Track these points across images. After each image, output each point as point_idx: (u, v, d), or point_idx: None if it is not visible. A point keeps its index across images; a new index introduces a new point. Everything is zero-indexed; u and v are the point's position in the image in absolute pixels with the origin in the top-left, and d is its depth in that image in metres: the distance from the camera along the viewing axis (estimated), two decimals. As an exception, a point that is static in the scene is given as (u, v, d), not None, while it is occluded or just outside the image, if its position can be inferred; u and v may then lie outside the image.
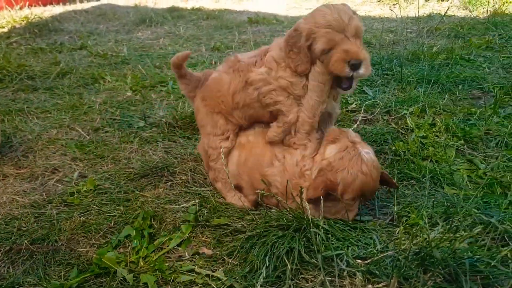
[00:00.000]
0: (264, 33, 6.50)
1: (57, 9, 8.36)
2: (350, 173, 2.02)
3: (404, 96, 3.63)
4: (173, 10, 8.28)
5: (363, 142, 2.16)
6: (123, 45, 5.83)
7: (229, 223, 2.21)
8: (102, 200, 2.44)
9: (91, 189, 2.54)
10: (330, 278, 1.83)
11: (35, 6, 8.50)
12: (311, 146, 2.21)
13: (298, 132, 2.22)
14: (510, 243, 1.94)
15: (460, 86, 3.86)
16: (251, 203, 2.37)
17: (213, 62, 4.94)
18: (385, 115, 3.37)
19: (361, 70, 2.01)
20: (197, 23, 7.28)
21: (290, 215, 2.08)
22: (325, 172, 2.06)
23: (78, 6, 8.74)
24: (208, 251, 2.03)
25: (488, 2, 7.09)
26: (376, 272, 1.80)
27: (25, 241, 2.10)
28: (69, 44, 5.85)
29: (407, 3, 8.24)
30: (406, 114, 3.28)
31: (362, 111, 3.36)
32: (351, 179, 2.02)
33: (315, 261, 1.88)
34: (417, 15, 6.64)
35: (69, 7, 8.58)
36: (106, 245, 2.11)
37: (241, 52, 2.56)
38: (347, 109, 3.49)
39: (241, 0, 9.55)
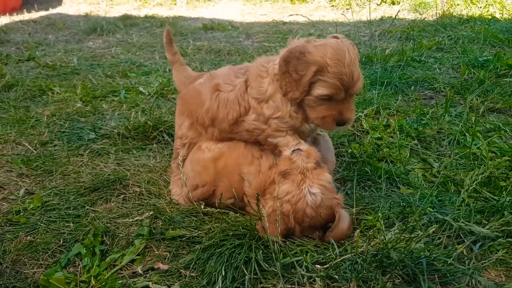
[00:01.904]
0: (219, 39, 6.46)
1: (3, 20, 8.03)
2: (297, 216, 2.00)
3: (358, 98, 3.66)
4: (125, 18, 8.11)
5: (316, 170, 2.08)
6: (73, 55, 5.65)
7: (185, 234, 2.14)
8: (50, 217, 2.32)
9: (38, 206, 2.40)
10: (289, 286, 1.80)
11: (-21, 17, 8.15)
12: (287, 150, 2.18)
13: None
14: (466, 240, 1.97)
15: (413, 87, 3.94)
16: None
17: (167, 70, 4.85)
18: (340, 118, 3.38)
19: (344, 127, 2.10)
20: (151, 31, 7.16)
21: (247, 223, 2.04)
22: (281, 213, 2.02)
23: (26, 16, 8.43)
24: (163, 266, 1.95)
25: (437, 4, 7.33)
26: (336, 276, 1.78)
27: (-35, 265, 1.96)
28: (15, 55, 5.60)
29: (360, 7, 8.41)
30: (361, 116, 3.31)
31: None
32: (300, 218, 2.00)
33: (274, 269, 1.85)
34: (369, 19, 6.77)
35: (16, 18, 8.26)
36: (54, 265, 1.99)
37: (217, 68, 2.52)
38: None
39: (195, 7, 9.48)
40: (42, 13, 8.87)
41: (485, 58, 4.42)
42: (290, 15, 7.02)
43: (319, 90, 1.96)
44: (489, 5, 7.41)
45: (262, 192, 2.16)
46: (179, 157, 2.37)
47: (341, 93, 1.95)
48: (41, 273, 1.94)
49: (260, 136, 2.20)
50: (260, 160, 2.22)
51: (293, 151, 2.13)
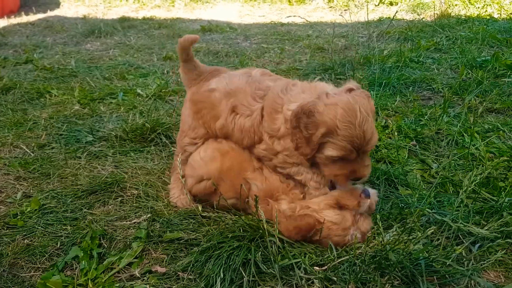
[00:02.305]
0: (217, 41, 6.46)
1: (1, 22, 8.03)
2: (328, 240, 1.99)
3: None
4: (123, 20, 8.10)
5: (367, 219, 2.08)
6: (71, 57, 5.64)
7: (183, 236, 2.13)
8: (48, 220, 2.31)
9: (35, 210, 2.39)
10: (288, 288, 1.79)
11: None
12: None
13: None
14: (464, 241, 1.96)
15: (411, 88, 3.94)
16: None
17: (165, 71, 4.84)
18: (339, 119, 3.37)
19: (359, 182, 2.03)
20: (149, 33, 7.15)
21: (246, 224, 2.03)
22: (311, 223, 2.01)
23: (24, 19, 8.42)
24: (161, 269, 1.94)
25: (435, 5, 7.33)
26: (334, 278, 1.78)
27: (-38, 269, 1.95)
28: (13, 58, 5.59)
29: (358, 8, 8.42)
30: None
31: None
32: (325, 241, 2.00)
33: (273, 271, 1.84)
34: (367, 20, 6.77)
35: (14, 20, 8.25)
36: (51, 268, 1.98)
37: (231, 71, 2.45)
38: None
39: (193, 9, 9.48)
40: (40, 15, 8.87)
41: (483, 58, 4.43)
42: (288, 17, 7.03)
43: (329, 151, 1.90)
44: (487, 5, 7.42)
45: (272, 196, 2.15)
46: (180, 155, 2.37)
47: (352, 154, 1.89)
48: (38, 276, 1.94)
49: (267, 162, 2.20)
50: (261, 170, 2.22)
51: (364, 192, 2.07)
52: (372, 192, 2.13)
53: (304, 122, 1.88)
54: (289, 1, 9.50)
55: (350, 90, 1.96)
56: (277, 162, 2.13)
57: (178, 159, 2.33)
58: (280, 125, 2.02)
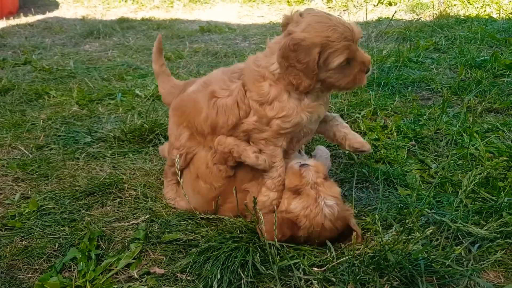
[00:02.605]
0: (216, 41, 6.46)
1: (0, 24, 8.02)
2: (313, 227, 1.99)
3: (356, 99, 3.65)
4: (122, 21, 8.10)
5: (326, 183, 2.10)
6: (70, 58, 5.63)
7: (181, 237, 2.12)
8: (46, 221, 2.30)
9: (34, 211, 2.38)
10: (286, 289, 1.79)
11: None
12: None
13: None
14: (464, 241, 1.95)
15: (410, 88, 3.94)
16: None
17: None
18: (338, 119, 3.37)
19: (370, 72, 2.09)
20: (148, 34, 7.15)
21: (244, 226, 2.02)
22: (290, 221, 2.02)
23: (23, 20, 8.41)
24: (159, 270, 1.93)
25: (433, 5, 7.33)
26: (333, 279, 1.77)
27: (-40, 271, 1.94)
28: (12, 59, 5.59)
29: (356, 8, 8.42)
30: (359, 117, 3.30)
31: (315, 116, 3.35)
32: (315, 232, 2.00)
33: (271, 272, 1.83)
34: (366, 20, 6.78)
35: (13, 21, 8.24)
36: (49, 270, 1.97)
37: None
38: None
39: (192, 10, 9.48)
40: (39, 16, 8.86)
41: (482, 58, 4.42)
42: (287, 17, 7.02)
43: (337, 60, 1.94)
44: (486, 5, 7.41)
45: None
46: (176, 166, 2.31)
47: (353, 46, 1.96)
48: (36, 278, 1.93)
49: (256, 135, 2.16)
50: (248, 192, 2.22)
51: (301, 165, 2.13)
52: (321, 151, 2.31)
53: (294, 56, 1.93)
54: (288, 2, 9.50)
55: (300, 14, 2.05)
56: (270, 133, 2.10)
57: (173, 170, 2.34)
58: (268, 89, 2.05)
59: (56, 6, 10.16)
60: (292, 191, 2.09)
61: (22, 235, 2.21)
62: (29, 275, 1.96)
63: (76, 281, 1.89)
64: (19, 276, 1.95)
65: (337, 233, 2.03)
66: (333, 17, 1.96)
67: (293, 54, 1.93)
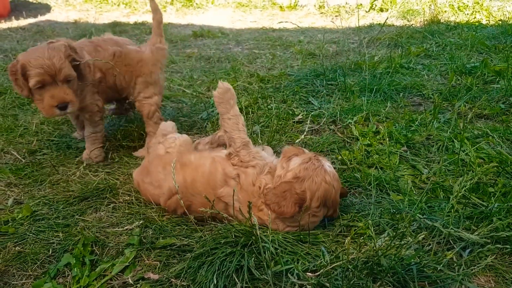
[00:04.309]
0: (209, 46, 6.46)
1: (-9, 27, 7.98)
2: (315, 181, 2.06)
3: (348, 105, 3.68)
4: (115, 25, 8.08)
5: (322, 156, 2.24)
6: (62, 62, 5.60)
7: (176, 242, 2.12)
8: (39, 227, 2.29)
9: (27, 216, 2.38)
10: (280, 294, 1.79)
11: (-34, 24, 8.07)
12: (259, 164, 2.20)
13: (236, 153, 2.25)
14: (455, 246, 1.98)
15: (401, 94, 3.97)
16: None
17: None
18: (331, 125, 3.40)
19: (69, 110, 2.63)
20: (140, 38, 7.13)
21: (239, 231, 2.03)
22: (291, 184, 2.06)
23: (14, 23, 8.36)
24: (154, 276, 1.94)
25: (424, 11, 7.41)
26: (327, 284, 1.78)
27: (-48, 278, 1.93)
28: (3, 63, 5.55)
29: (348, 14, 8.47)
30: (351, 123, 3.33)
31: (309, 121, 3.38)
32: (315, 187, 2.06)
33: (266, 277, 1.84)
34: (358, 25, 6.83)
35: (4, 25, 8.19)
36: (43, 275, 1.97)
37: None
38: (293, 120, 3.50)
39: (185, 14, 9.48)
40: (31, 20, 8.81)
41: (473, 64, 4.47)
42: (280, 22, 7.07)
43: (30, 81, 2.57)
44: (476, 12, 7.50)
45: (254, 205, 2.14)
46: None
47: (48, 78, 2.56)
48: (30, 284, 1.92)
49: None
50: (238, 179, 2.19)
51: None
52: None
53: (14, 70, 2.55)
54: (281, 7, 9.54)
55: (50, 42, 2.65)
56: None
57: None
58: None
59: (48, 9, 10.10)
60: (288, 157, 2.22)
61: (16, 240, 2.21)
62: (23, 281, 1.96)
63: (70, 287, 1.89)
64: (12, 282, 1.95)
65: (334, 193, 2.11)
66: (52, 55, 2.54)
67: (13, 69, 2.59)
